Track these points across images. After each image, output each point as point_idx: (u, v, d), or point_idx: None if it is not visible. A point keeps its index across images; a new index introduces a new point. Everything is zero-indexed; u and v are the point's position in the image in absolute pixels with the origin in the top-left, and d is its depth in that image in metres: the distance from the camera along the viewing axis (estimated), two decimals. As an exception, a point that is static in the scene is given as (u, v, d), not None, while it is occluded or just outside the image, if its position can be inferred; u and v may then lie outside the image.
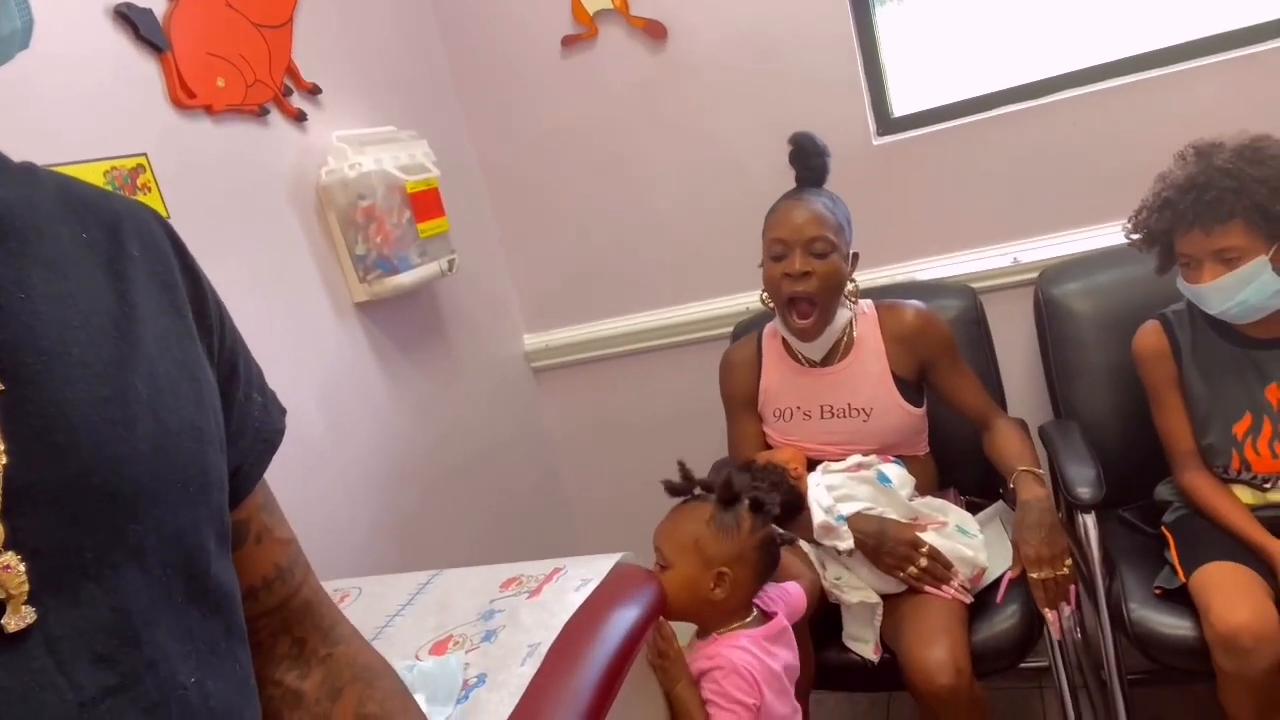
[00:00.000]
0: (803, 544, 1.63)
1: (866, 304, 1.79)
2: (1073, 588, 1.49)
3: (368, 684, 0.66)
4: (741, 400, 1.85)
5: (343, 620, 0.71)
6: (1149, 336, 1.62)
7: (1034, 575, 1.49)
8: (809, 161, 1.71)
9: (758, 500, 1.42)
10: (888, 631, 1.59)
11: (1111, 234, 1.87)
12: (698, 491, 1.46)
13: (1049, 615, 1.50)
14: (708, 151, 2.16)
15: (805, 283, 1.63)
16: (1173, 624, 1.46)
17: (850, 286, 1.73)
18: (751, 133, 2.11)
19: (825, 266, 1.64)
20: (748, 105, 2.10)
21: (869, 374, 1.74)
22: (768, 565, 1.42)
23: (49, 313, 0.45)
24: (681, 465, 1.50)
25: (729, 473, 1.44)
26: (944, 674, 1.43)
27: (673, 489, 1.47)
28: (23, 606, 0.41)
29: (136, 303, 0.50)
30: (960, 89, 2.04)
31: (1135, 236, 1.59)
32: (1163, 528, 1.62)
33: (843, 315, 1.72)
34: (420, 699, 1.00)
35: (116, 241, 0.51)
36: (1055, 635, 1.53)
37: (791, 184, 1.75)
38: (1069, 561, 1.49)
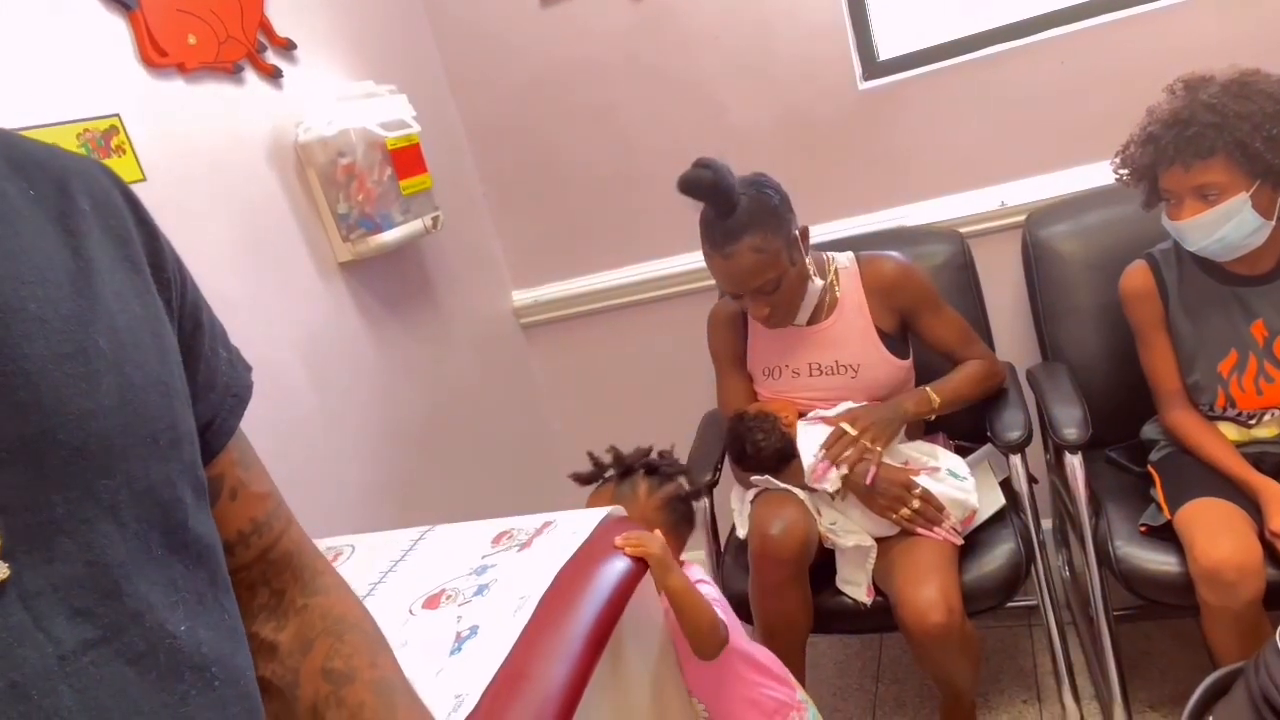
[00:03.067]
0: (797, 491, 1.65)
1: (848, 258, 1.77)
2: (874, 469, 1.58)
3: (337, 637, 0.66)
4: (729, 356, 1.85)
5: (327, 571, 0.70)
6: (1136, 277, 1.62)
7: (844, 424, 1.61)
8: (714, 198, 1.59)
9: (651, 465, 1.48)
10: (880, 574, 1.61)
11: (1099, 173, 1.86)
12: (608, 475, 1.51)
13: (818, 457, 1.60)
14: (691, 99, 2.13)
15: (768, 316, 1.67)
16: (1158, 560, 1.48)
17: (812, 264, 1.72)
18: (735, 79, 2.09)
19: (778, 296, 1.65)
20: (731, 51, 2.07)
21: (854, 330, 1.73)
22: (675, 522, 1.45)
23: (2, 269, 0.44)
24: (590, 455, 1.53)
25: (617, 449, 1.51)
26: (936, 612, 1.46)
27: (581, 479, 1.51)
28: None
29: (92, 258, 0.49)
30: (947, 30, 2.01)
31: (1122, 172, 1.58)
32: (1149, 466, 1.63)
33: (814, 290, 1.71)
34: (414, 652, 1.01)
35: (66, 197, 0.50)
36: (808, 477, 1.62)
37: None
38: (878, 449, 1.60)
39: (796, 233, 1.66)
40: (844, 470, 1.58)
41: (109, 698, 0.44)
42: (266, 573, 0.65)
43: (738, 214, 1.59)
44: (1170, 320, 1.59)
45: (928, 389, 1.69)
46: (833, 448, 1.60)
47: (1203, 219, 1.44)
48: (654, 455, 1.51)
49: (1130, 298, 1.62)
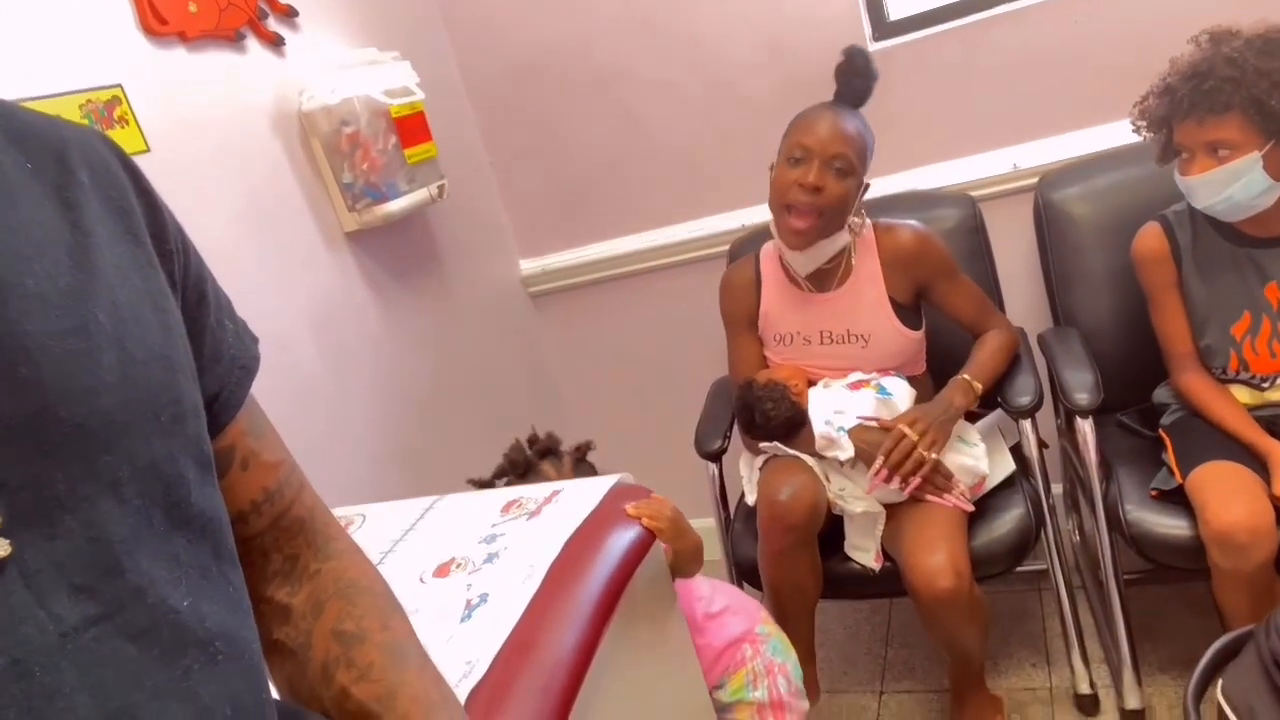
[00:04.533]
0: (806, 458, 1.65)
1: (864, 225, 1.75)
2: (916, 481, 1.55)
3: (349, 600, 0.67)
4: (742, 321, 1.84)
5: (340, 536, 0.71)
6: (1149, 239, 1.60)
7: (902, 426, 1.56)
8: (852, 81, 1.65)
9: (544, 449, 1.48)
10: (888, 540, 1.62)
11: (1114, 134, 1.83)
12: (500, 484, 1.48)
13: (877, 466, 1.56)
14: (698, 64, 2.11)
15: (815, 196, 1.58)
16: (1168, 524, 1.48)
17: (857, 220, 1.69)
18: (742, 42, 2.05)
19: (840, 187, 1.59)
20: (738, 14, 2.04)
21: (867, 300, 1.72)
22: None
23: (1, 244, 0.44)
24: (471, 480, 1.49)
25: (509, 454, 1.48)
26: (944, 578, 1.46)
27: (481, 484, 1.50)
28: None
29: (91, 231, 0.49)
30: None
31: (1140, 123, 1.55)
32: (1160, 430, 1.62)
33: (839, 240, 1.68)
34: (425, 619, 1.02)
35: (65, 169, 0.50)
36: (868, 488, 1.59)
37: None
38: (934, 455, 1.55)
39: (866, 182, 1.67)
40: (895, 485, 1.56)
41: (111, 674, 0.44)
42: (279, 539, 0.66)
43: (856, 113, 1.66)
44: (1183, 282, 1.57)
45: (968, 378, 1.65)
46: (892, 454, 1.55)
47: (1212, 176, 1.41)
48: (536, 442, 1.51)
49: (1143, 260, 1.60)
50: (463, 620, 1.01)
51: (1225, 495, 1.38)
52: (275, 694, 0.67)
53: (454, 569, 1.13)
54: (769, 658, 1.40)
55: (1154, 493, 1.53)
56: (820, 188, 1.58)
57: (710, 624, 1.40)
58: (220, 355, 0.59)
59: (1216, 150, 1.41)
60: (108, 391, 0.46)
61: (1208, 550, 1.39)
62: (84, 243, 0.48)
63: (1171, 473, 1.50)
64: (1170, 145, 1.50)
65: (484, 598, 1.04)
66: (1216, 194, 1.43)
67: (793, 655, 1.46)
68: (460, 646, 0.96)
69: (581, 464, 1.49)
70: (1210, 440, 1.50)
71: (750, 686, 1.38)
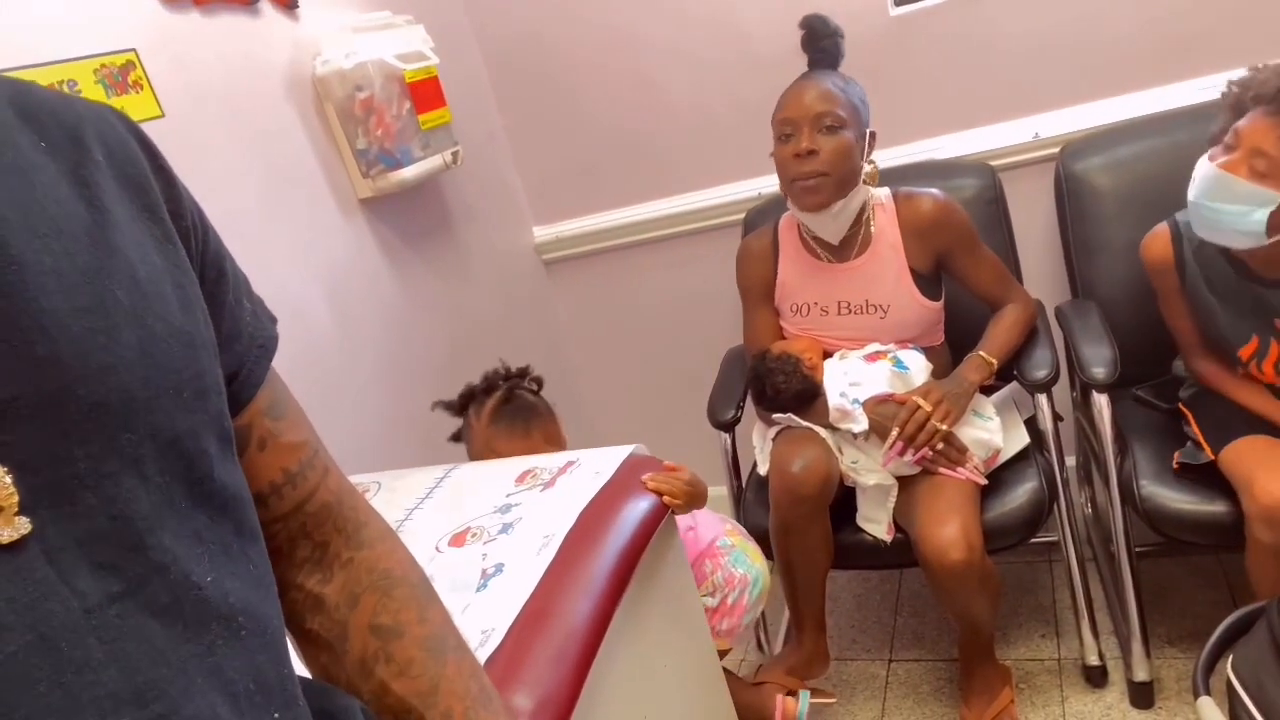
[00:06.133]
0: (819, 430, 1.65)
1: (885, 195, 1.73)
2: (925, 452, 1.56)
3: (384, 593, 0.66)
4: (758, 291, 1.83)
5: (372, 522, 0.70)
6: (1155, 246, 1.56)
7: (916, 398, 1.57)
8: (819, 43, 1.66)
9: (470, 393, 1.58)
10: (901, 512, 1.62)
11: (1137, 104, 1.80)
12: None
13: (892, 438, 1.57)
14: (715, 28, 2.07)
15: (812, 161, 1.58)
16: (1183, 499, 1.48)
17: (869, 169, 1.67)
18: (760, 6, 2.02)
19: (834, 143, 1.58)
20: (757, -23, 2.00)
21: (887, 270, 1.70)
22: (512, 419, 1.50)
23: (17, 222, 0.44)
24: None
25: (447, 401, 1.59)
26: (956, 550, 1.47)
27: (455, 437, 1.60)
28: (15, 518, 0.41)
29: (108, 209, 0.48)
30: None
31: (1239, 75, 1.41)
32: (1180, 403, 1.61)
33: (859, 196, 1.66)
34: (441, 588, 1.03)
35: (80, 147, 0.49)
36: (884, 461, 1.61)
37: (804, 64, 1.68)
38: (946, 426, 1.56)
39: (869, 130, 1.66)
40: (909, 458, 1.58)
41: (136, 649, 0.44)
42: (306, 525, 0.65)
43: (833, 73, 1.67)
44: (1187, 290, 1.54)
45: (982, 354, 1.65)
46: (907, 425, 1.56)
47: (1228, 178, 1.34)
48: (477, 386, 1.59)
49: (1149, 265, 1.58)
50: (478, 590, 1.02)
51: (1273, 469, 1.35)
52: (302, 671, 0.67)
53: (469, 538, 1.14)
54: (730, 570, 1.49)
55: (1177, 466, 1.51)
56: (814, 150, 1.58)
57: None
58: (239, 333, 0.59)
59: (1259, 164, 1.32)
60: (127, 368, 0.46)
61: (1249, 524, 1.36)
62: (101, 221, 0.48)
63: (1198, 446, 1.49)
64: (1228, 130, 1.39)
65: (499, 567, 1.05)
66: (1215, 197, 1.36)
67: (756, 565, 1.53)
68: (476, 616, 0.97)
69: (502, 408, 1.51)
70: (1236, 414, 1.48)
71: (709, 596, 1.47)
